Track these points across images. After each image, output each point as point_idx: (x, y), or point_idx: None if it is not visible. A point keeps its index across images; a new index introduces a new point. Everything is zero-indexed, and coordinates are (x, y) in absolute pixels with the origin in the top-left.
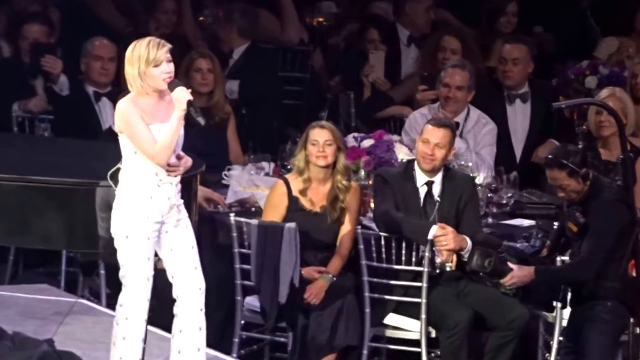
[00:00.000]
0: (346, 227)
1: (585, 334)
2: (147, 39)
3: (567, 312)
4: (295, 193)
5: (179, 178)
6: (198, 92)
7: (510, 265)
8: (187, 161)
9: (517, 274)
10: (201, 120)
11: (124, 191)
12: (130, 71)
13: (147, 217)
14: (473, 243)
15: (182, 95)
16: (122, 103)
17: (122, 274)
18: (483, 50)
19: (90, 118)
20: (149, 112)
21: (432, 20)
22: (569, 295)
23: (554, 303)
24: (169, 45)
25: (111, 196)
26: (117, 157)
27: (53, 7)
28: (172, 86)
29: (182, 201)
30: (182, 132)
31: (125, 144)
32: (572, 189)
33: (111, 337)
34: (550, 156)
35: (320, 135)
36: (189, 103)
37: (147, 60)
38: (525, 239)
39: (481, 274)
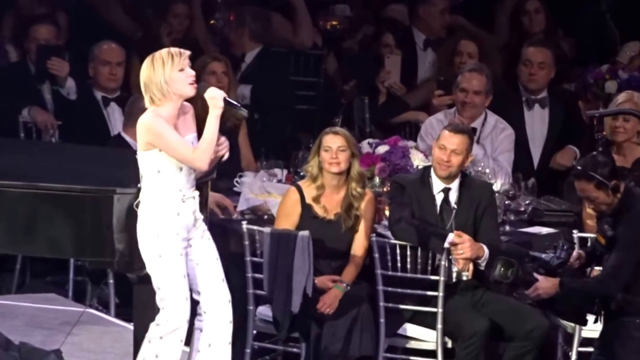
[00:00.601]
0: (360, 235)
1: (616, 352)
2: (165, 49)
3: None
4: (308, 200)
5: (197, 192)
6: None
7: (536, 276)
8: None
9: (542, 285)
10: (244, 113)
11: (150, 211)
12: (154, 79)
13: (176, 234)
14: (497, 252)
15: (217, 93)
16: (146, 118)
17: (161, 296)
18: (514, 56)
19: (99, 124)
20: (172, 125)
21: (447, 24)
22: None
23: (587, 316)
24: (187, 52)
25: (127, 206)
26: (123, 163)
27: (61, 11)
28: (201, 89)
29: (202, 215)
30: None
31: (147, 162)
32: (601, 201)
33: (125, 348)
34: (578, 167)
35: (333, 141)
36: (225, 99)
37: (171, 65)
38: (553, 249)
39: (504, 284)
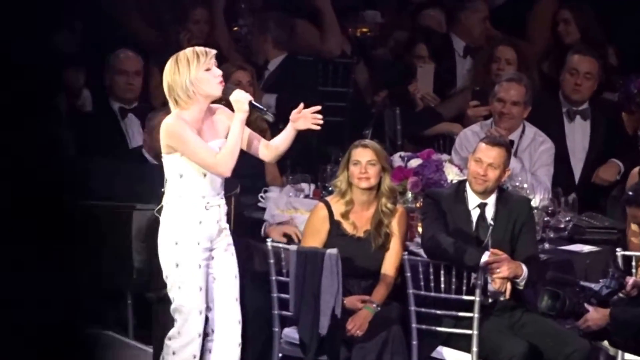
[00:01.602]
0: (391, 253)
1: None
2: (190, 48)
3: None
4: (337, 217)
5: (224, 201)
6: None
7: (586, 306)
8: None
9: (592, 316)
10: (270, 117)
11: (171, 217)
12: (178, 81)
13: (197, 243)
14: (536, 271)
15: (243, 96)
16: (169, 120)
17: (174, 307)
18: (553, 65)
19: (116, 136)
20: (196, 129)
21: (488, 31)
22: None
23: None
24: (214, 51)
25: (147, 222)
26: (142, 178)
27: (77, 18)
28: (227, 91)
29: (227, 225)
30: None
31: (170, 166)
32: None
33: None
34: (630, 193)
35: (362, 155)
36: (251, 103)
37: (197, 65)
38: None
39: (552, 315)
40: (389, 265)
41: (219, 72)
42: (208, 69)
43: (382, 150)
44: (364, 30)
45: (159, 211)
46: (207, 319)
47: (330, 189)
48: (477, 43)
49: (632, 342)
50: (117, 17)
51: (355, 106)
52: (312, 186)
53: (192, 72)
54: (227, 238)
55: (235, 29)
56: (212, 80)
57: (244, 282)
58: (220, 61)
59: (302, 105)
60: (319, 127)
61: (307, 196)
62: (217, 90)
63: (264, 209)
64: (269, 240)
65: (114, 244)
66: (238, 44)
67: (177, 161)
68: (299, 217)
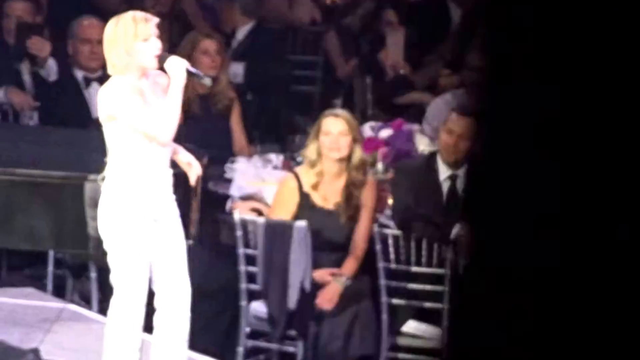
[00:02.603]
0: (362, 226)
1: None
2: (130, 12)
3: None
4: (306, 188)
5: (171, 170)
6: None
7: None
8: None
9: None
10: (208, 81)
11: (114, 186)
12: (115, 50)
13: (141, 213)
14: None
15: (179, 63)
16: (107, 87)
17: (114, 277)
18: None
19: (79, 105)
20: (137, 94)
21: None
22: None
23: None
24: (156, 19)
25: (100, 191)
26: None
27: None
28: (162, 60)
29: (174, 196)
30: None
31: (112, 134)
32: None
33: (103, 345)
34: None
35: (334, 125)
36: (187, 70)
37: (134, 34)
38: None
39: None
40: (359, 238)
41: (157, 44)
42: (145, 39)
43: (354, 121)
44: None
45: (102, 179)
46: (154, 293)
47: (299, 159)
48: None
49: None
50: None
51: (325, 75)
52: (281, 157)
53: (128, 41)
54: (173, 209)
55: None
56: (147, 52)
57: (210, 256)
58: (187, 29)
59: (192, 161)
60: (191, 183)
61: (275, 167)
62: (152, 63)
63: (230, 180)
64: (235, 212)
65: (71, 216)
66: (205, 12)
67: (118, 129)
68: (267, 189)
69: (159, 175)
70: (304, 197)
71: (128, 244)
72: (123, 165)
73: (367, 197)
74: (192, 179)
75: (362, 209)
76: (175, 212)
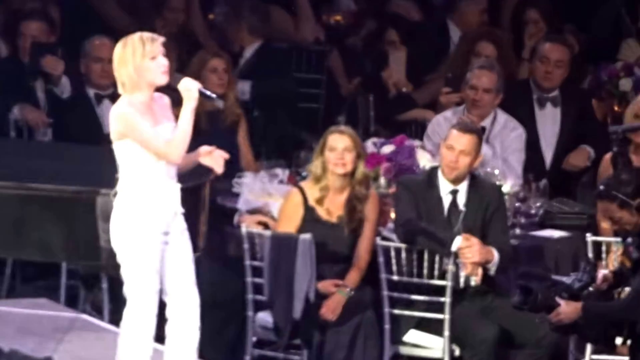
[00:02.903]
0: (364, 238)
1: None
2: (138, 34)
3: None
4: (311, 202)
5: (178, 185)
6: None
7: (558, 300)
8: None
9: (564, 310)
10: (220, 103)
11: (124, 202)
12: (124, 69)
13: (152, 227)
14: (507, 258)
15: (191, 84)
16: (119, 106)
17: (127, 289)
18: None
19: (92, 121)
20: (146, 113)
21: (485, 24)
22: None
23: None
24: (162, 39)
25: (112, 205)
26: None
27: (53, 5)
28: (174, 80)
29: (182, 209)
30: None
31: (122, 151)
32: (625, 222)
33: (115, 355)
34: (601, 187)
35: (339, 141)
36: (200, 91)
37: (142, 54)
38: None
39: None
40: (362, 250)
41: (164, 61)
42: (153, 58)
43: (358, 137)
44: (337, 18)
45: (115, 195)
46: (165, 304)
47: (304, 174)
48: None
49: (602, 335)
50: (94, 4)
51: (329, 93)
52: (287, 172)
53: (137, 60)
54: (181, 223)
55: (211, 16)
56: (156, 69)
57: (218, 267)
58: (196, 49)
59: (214, 148)
60: (219, 172)
61: (281, 182)
62: (160, 79)
63: (238, 195)
64: (243, 225)
65: (88, 230)
66: (213, 32)
67: (128, 147)
68: (273, 203)
69: (167, 190)
70: (309, 211)
71: (139, 257)
72: (133, 181)
73: (369, 210)
74: (219, 165)
75: (365, 222)
76: (183, 225)
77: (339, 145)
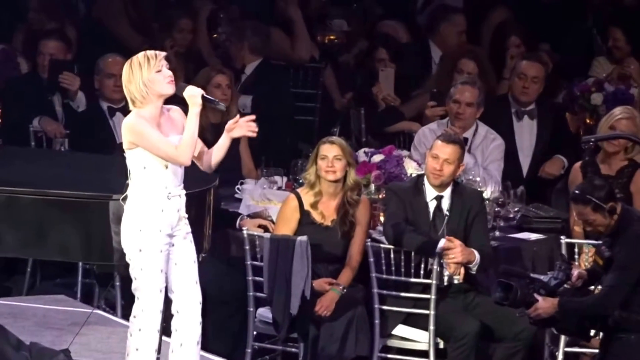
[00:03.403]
0: (356, 240)
1: None
2: (142, 52)
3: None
4: (306, 207)
5: (184, 191)
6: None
7: (536, 296)
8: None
9: (541, 305)
10: (222, 107)
11: (135, 206)
12: (133, 84)
13: (159, 230)
14: (488, 258)
15: (195, 91)
16: (129, 118)
17: (135, 286)
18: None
19: (105, 133)
20: (155, 124)
21: (463, 44)
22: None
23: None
24: (164, 53)
25: (123, 210)
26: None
27: (70, 25)
28: (180, 90)
29: (187, 214)
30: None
31: (133, 160)
32: (598, 224)
33: (126, 348)
34: (576, 191)
35: (329, 151)
36: (204, 97)
37: (148, 67)
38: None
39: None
40: (354, 251)
41: (169, 72)
42: (158, 71)
43: (348, 146)
44: (332, 37)
45: (124, 200)
46: (171, 301)
47: (300, 181)
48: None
49: (576, 327)
50: (108, 24)
51: (324, 107)
52: (285, 179)
53: (144, 75)
54: (186, 226)
55: (215, 36)
56: (162, 80)
57: (222, 267)
58: (201, 66)
59: (238, 116)
60: (254, 134)
61: (279, 188)
62: (167, 89)
63: (240, 200)
64: (244, 229)
65: (102, 232)
66: (217, 50)
67: (139, 155)
68: (272, 207)
69: (174, 195)
70: (305, 215)
71: (145, 257)
72: (142, 187)
73: (361, 215)
74: (251, 128)
75: (357, 225)
76: (188, 229)
77: (329, 154)
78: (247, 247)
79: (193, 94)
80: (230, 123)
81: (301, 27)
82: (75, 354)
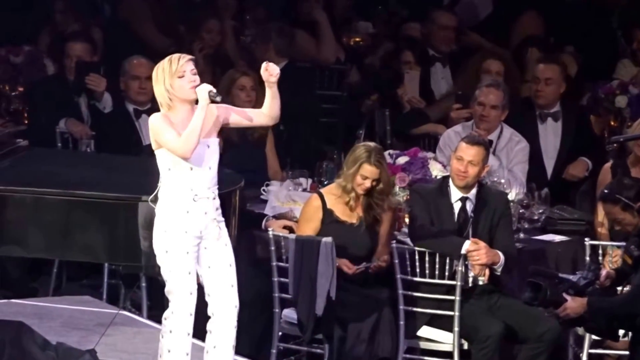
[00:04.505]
0: (382, 242)
1: None
2: (167, 57)
3: None
4: (329, 206)
5: (216, 193)
6: None
7: (565, 296)
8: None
9: (570, 305)
10: (218, 98)
11: (162, 208)
12: (158, 88)
13: (185, 231)
14: (512, 259)
15: (203, 87)
16: (151, 117)
17: (167, 289)
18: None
19: (132, 134)
20: (183, 127)
21: (452, 40)
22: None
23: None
24: (189, 57)
25: (152, 213)
26: (155, 171)
27: (95, 27)
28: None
29: (222, 218)
30: (215, 147)
31: (160, 160)
32: (627, 223)
33: (157, 349)
34: (605, 190)
35: (371, 173)
36: (209, 92)
37: (170, 73)
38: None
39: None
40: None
41: (193, 77)
42: (181, 76)
43: (386, 164)
44: (357, 39)
45: (154, 201)
46: (206, 303)
47: (325, 182)
48: (443, 52)
49: (605, 327)
50: (133, 26)
51: (349, 108)
52: (310, 180)
53: (166, 80)
54: (218, 229)
55: (242, 38)
56: (184, 85)
57: (247, 268)
58: (228, 68)
59: (265, 63)
60: (274, 78)
61: (304, 190)
62: (190, 95)
63: (265, 201)
64: (270, 230)
65: (128, 233)
66: (243, 52)
67: (164, 156)
68: (297, 208)
69: (201, 197)
70: (327, 214)
71: (173, 260)
72: (170, 188)
73: (385, 217)
74: (272, 71)
75: (381, 224)
76: (219, 232)
77: (370, 175)
78: (273, 248)
79: (200, 89)
80: (262, 73)
81: (327, 29)
82: (101, 354)
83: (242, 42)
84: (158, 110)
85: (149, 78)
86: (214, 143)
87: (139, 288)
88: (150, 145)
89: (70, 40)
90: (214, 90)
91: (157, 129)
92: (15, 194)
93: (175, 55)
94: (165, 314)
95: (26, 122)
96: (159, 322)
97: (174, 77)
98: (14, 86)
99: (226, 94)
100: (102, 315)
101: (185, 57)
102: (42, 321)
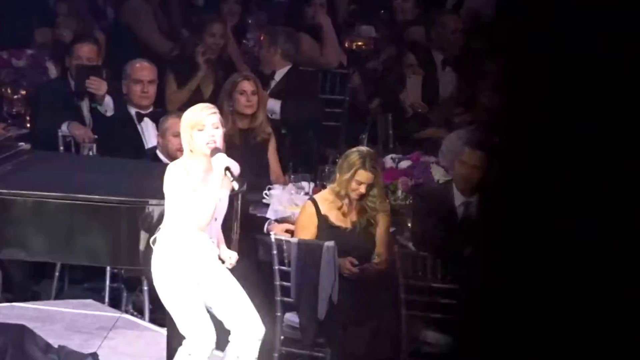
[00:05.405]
0: (379, 243)
1: None
2: (192, 107)
3: None
4: (324, 212)
5: (216, 241)
6: (242, 114)
7: None
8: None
9: None
10: (235, 185)
11: (161, 250)
12: (182, 135)
13: (183, 276)
14: None
15: (221, 160)
16: (170, 166)
17: (180, 326)
18: None
19: (134, 138)
20: (199, 178)
21: (461, 43)
22: None
23: None
24: (214, 110)
25: (155, 216)
26: (160, 175)
27: (98, 30)
28: (213, 152)
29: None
30: (225, 200)
31: (167, 202)
32: None
33: (159, 352)
34: None
35: (366, 178)
36: (227, 169)
37: (191, 124)
38: None
39: None
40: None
41: (212, 132)
42: (201, 129)
43: (380, 171)
44: (359, 44)
45: (154, 242)
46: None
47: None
48: (453, 54)
49: None
50: (136, 29)
51: (351, 112)
52: (312, 184)
53: (188, 130)
54: (213, 269)
55: (244, 42)
56: (201, 140)
57: (249, 271)
58: (231, 72)
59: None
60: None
61: (307, 194)
62: (204, 150)
63: (268, 205)
64: (272, 233)
65: (130, 237)
66: (246, 56)
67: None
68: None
69: (205, 246)
70: (322, 219)
71: (175, 302)
72: (171, 230)
73: (381, 218)
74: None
75: (376, 226)
76: (217, 269)
77: (365, 180)
78: (275, 252)
79: (218, 162)
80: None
81: (330, 33)
82: (103, 357)
83: (244, 46)
84: (160, 114)
85: (152, 81)
86: (226, 195)
87: (141, 291)
88: (152, 148)
89: (78, 42)
90: (231, 170)
91: (168, 189)
92: (18, 198)
93: (202, 105)
94: (188, 349)
95: (29, 125)
96: (161, 325)
97: (195, 128)
98: (16, 89)
99: (228, 98)
100: (104, 318)
101: (209, 110)
102: (44, 324)
